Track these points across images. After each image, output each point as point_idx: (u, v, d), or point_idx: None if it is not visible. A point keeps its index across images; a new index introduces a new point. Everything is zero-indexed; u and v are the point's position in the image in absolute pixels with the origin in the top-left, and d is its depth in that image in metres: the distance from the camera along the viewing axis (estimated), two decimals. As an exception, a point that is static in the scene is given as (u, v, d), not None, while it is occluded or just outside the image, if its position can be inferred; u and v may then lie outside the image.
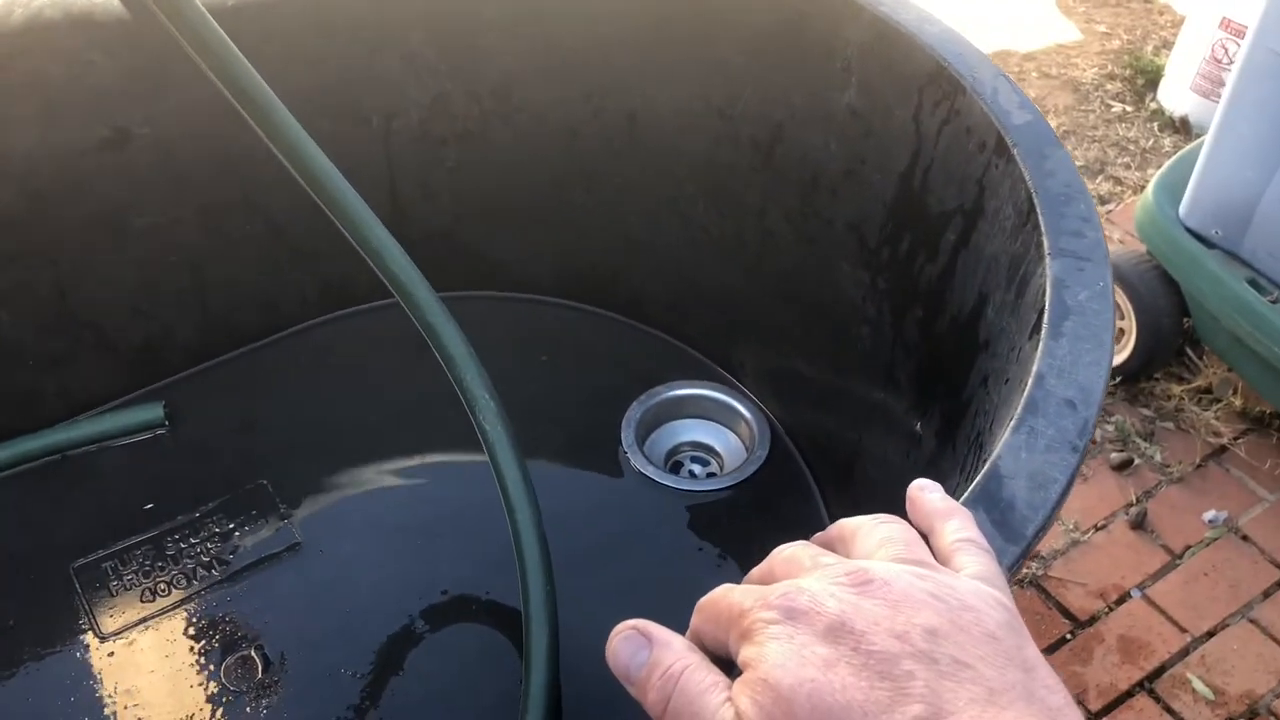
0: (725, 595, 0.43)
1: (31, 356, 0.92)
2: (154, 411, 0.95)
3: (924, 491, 0.47)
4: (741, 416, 0.99)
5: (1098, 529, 1.62)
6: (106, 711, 0.78)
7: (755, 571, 0.46)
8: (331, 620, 0.84)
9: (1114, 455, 1.72)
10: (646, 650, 0.43)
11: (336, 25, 0.90)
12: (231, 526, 0.89)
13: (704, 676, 0.41)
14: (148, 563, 0.87)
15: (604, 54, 0.93)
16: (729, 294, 0.99)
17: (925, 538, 0.45)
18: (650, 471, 0.94)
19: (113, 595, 0.85)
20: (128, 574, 0.86)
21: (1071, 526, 1.62)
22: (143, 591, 0.85)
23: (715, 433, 1.00)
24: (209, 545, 0.88)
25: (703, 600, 0.44)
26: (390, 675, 0.80)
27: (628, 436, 0.96)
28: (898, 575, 0.40)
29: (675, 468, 0.98)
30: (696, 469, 0.98)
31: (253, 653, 0.81)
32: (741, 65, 0.87)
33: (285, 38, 0.87)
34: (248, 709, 0.78)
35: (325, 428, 0.97)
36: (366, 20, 0.91)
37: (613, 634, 0.44)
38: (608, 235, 1.03)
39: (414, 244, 0.78)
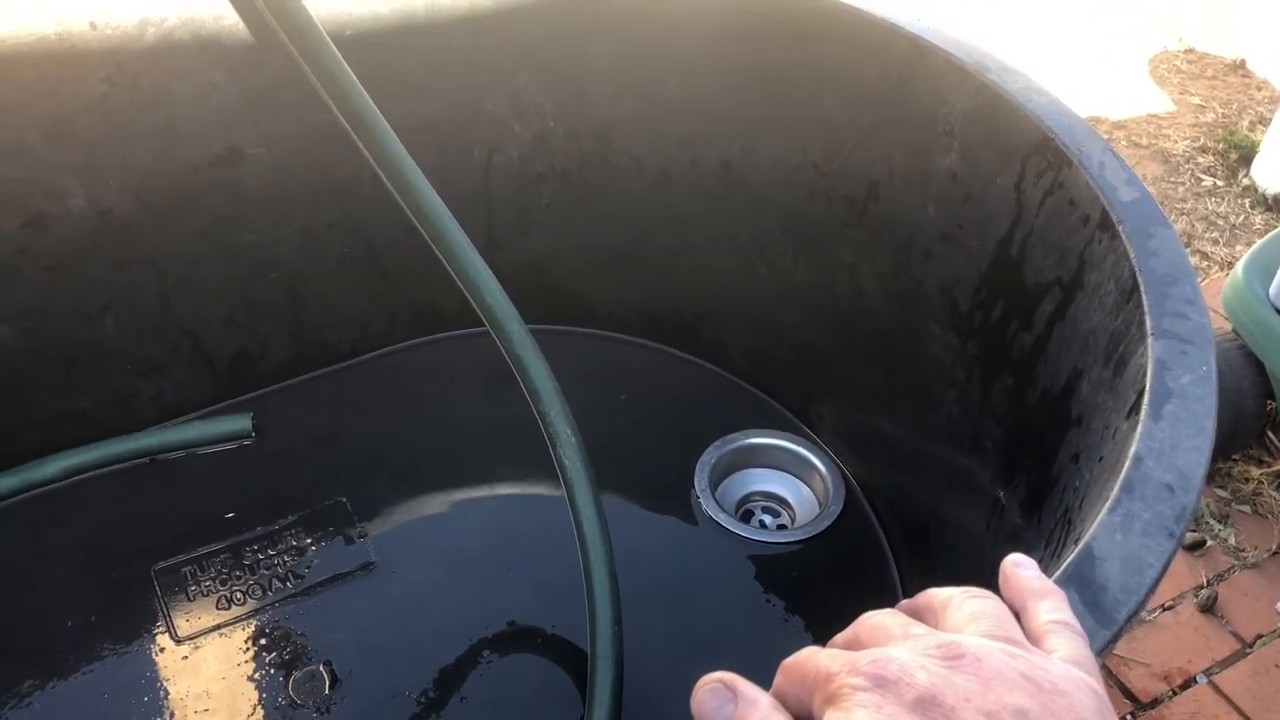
0: (812, 657, 0.43)
1: (131, 361, 0.95)
2: (242, 422, 0.98)
3: (1019, 568, 0.47)
4: (816, 470, 0.98)
5: (1165, 609, 1.58)
6: (177, 713, 0.80)
7: (840, 636, 0.46)
8: (400, 641, 0.85)
9: (1186, 534, 1.68)
10: (731, 705, 0.43)
11: (448, 62, 0.92)
12: (309, 541, 0.91)
13: (789, 728, 0.41)
14: (225, 570, 0.89)
15: (703, 103, 0.95)
16: (813, 347, 0.99)
17: (1017, 615, 0.45)
18: (721, 518, 0.94)
19: (190, 600, 0.87)
20: (206, 580, 0.88)
21: (1139, 605, 1.58)
22: (219, 598, 0.87)
23: (789, 484, 1.00)
24: (285, 558, 0.90)
25: (788, 661, 0.44)
26: (454, 701, 0.81)
27: (701, 481, 0.96)
28: (990, 652, 0.40)
29: (746, 516, 0.98)
30: (767, 519, 0.98)
31: (321, 668, 0.82)
32: (842, 122, 0.88)
33: (399, 71, 0.90)
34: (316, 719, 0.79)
35: (405, 450, 0.99)
36: (477, 58, 0.93)
37: (699, 685, 0.44)
38: (695, 280, 1.03)
39: (505, 276, 0.80)
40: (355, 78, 0.77)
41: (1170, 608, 1.58)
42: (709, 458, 0.98)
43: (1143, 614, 1.57)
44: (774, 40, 0.89)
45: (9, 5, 0.79)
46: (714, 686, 0.44)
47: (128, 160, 0.87)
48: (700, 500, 0.95)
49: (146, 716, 0.79)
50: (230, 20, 0.84)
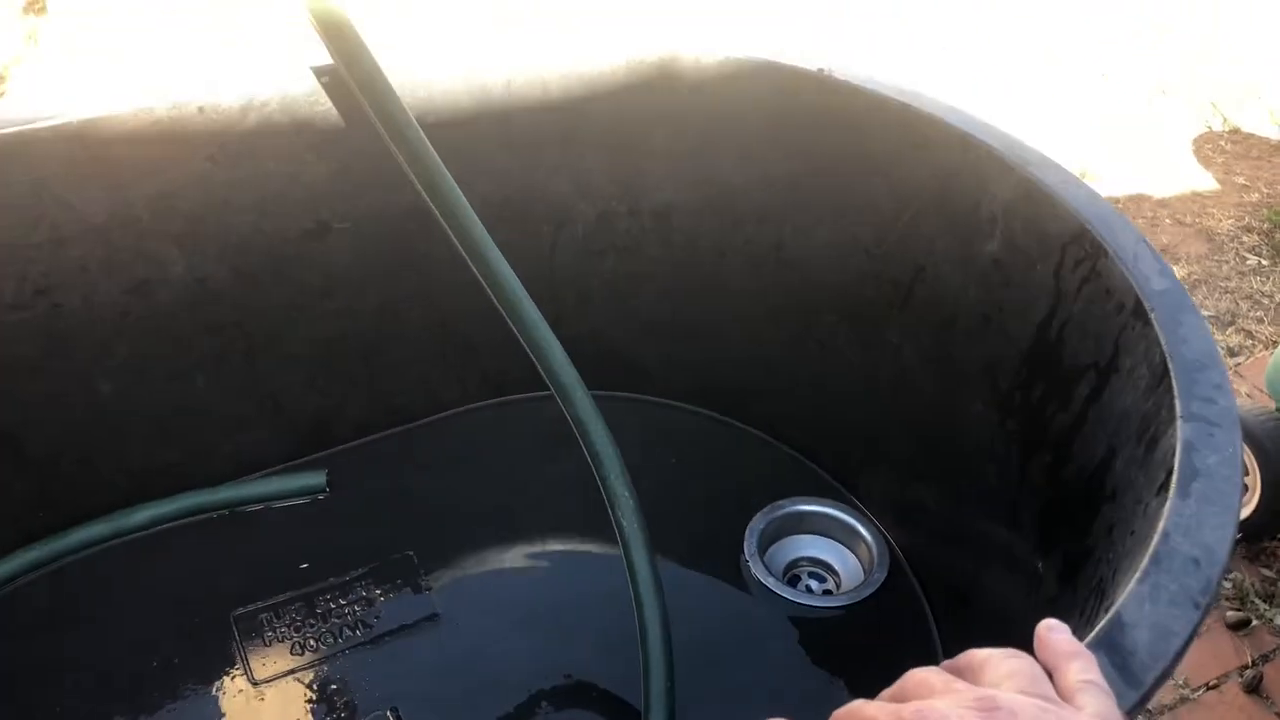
0: (861, 708, 0.48)
1: (217, 417, 1.02)
2: (317, 478, 1.04)
3: (1052, 632, 0.51)
4: (862, 538, 1.02)
5: (1209, 688, 1.58)
6: (258, 751, 0.85)
7: (887, 691, 0.51)
8: (462, 690, 0.89)
9: (1230, 614, 1.68)
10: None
11: (521, 144, 0.99)
12: (378, 592, 0.96)
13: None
14: (299, 618, 0.94)
15: (757, 187, 1.01)
16: (859, 420, 1.04)
17: (1050, 675, 0.49)
18: (769, 582, 0.98)
19: (266, 644, 0.92)
20: (281, 626, 0.93)
21: (1182, 683, 1.58)
22: (293, 644, 0.92)
23: (835, 551, 1.04)
24: (356, 608, 0.95)
25: (839, 711, 0.49)
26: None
27: (750, 545, 1.01)
28: (1024, 706, 0.44)
29: (793, 581, 1.02)
30: (814, 584, 1.02)
31: (389, 714, 0.87)
32: (889, 209, 0.93)
33: (476, 152, 0.97)
34: (381, 767, 0.84)
35: (470, 507, 1.04)
36: (549, 142, 1.00)
37: (761, 730, 0.49)
38: (747, 353, 1.09)
39: (566, 343, 0.86)
40: (440, 161, 0.84)
41: (1215, 687, 1.58)
42: (758, 523, 1.02)
43: (1187, 692, 1.57)
44: (825, 130, 0.95)
45: (131, 86, 0.87)
46: (776, 730, 0.49)
47: (224, 232, 0.94)
48: (749, 564, 0.99)
49: (225, 754, 0.84)
50: (324, 105, 0.91)
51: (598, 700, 0.90)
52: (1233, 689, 1.58)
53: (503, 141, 0.98)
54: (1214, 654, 1.63)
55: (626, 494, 0.86)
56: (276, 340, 1.01)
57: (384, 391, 1.08)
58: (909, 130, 0.90)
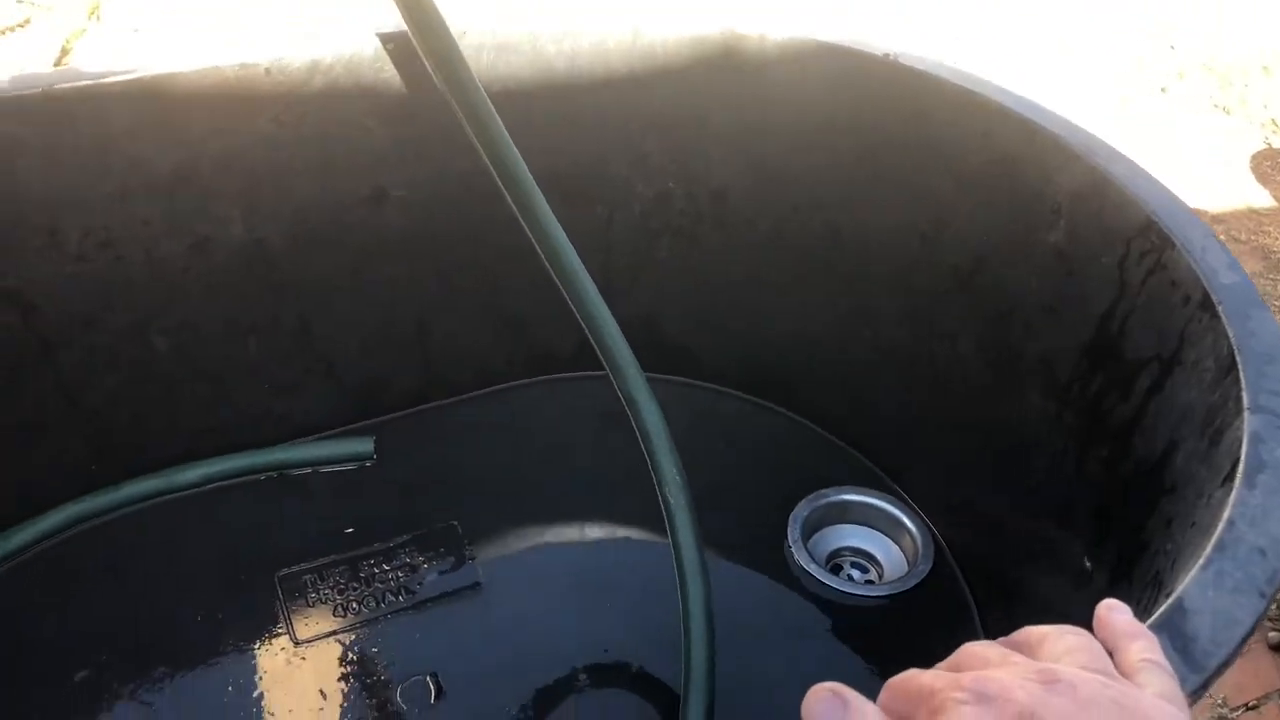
0: (916, 676, 0.47)
1: (268, 381, 1.03)
2: (365, 445, 1.04)
3: (1113, 611, 0.50)
4: (907, 529, 1.01)
5: (1249, 708, 1.55)
6: (294, 710, 0.85)
7: (942, 664, 0.50)
8: (502, 660, 0.89)
9: (1272, 634, 1.65)
10: (842, 713, 0.47)
11: (584, 122, 0.99)
12: (421, 560, 0.96)
13: (902, 745, 0.44)
14: (343, 581, 0.95)
15: (815, 172, 1.00)
16: (909, 410, 1.03)
17: (1110, 655, 0.48)
18: (812, 569, 0.97)
19: (310, 605, 0.93)
20: (324, 588, 0.94)
21: (1220, 702, 1.56)
22: (336, 606, 0.93)
23: (878, 542, 1.03)
24: (399, 574, 0.95)
25: (894, 679, 0.48)
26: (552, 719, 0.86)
27: (793, 532, 1.00)
28: (1085, 680, 0.43)
29: (834, 570, 1.01)
30: (855, 575, 1.01)
31: (429, 679, 0.87)
32: (950, 197, 0.93)
33: (537, 128, 0.96)
34: (420, 729, 0.84)
35: (516, 481, 1.04)
36: (609, 122, 1.00)
37: (810, 693, 0.48)
38: (797, 338, 1.08)
39: (617, 323, 0.86)
40: (506, 133, 0.85)
41: (1254, 707, 1.56)
42: (802, 510, 1.02)
43: (1225, 712, 1.55)
44: (888, 115, 0.94)
45: (198, 45, 0.88)
46: (826, 695, 0.48)
47: (284, 194, 0.95)
48: (792, 550, 0.99)
49: (265, 710, 0.85)
50: (388, 71, 0.91)
51: (637, 678, 0.90)
52: (1273, 710, 1.56)
53: (563, 117, 0.98)
54: (1255, 674, 1.60)
55: (674, 471, 0.86)
56: (331, 305, 1.02)
57: (434, 362, 1.08)
58: (974, 117, 0.89)
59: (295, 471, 1.03)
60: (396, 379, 1.08)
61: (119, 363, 0.96)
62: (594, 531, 1.02)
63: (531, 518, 1.01)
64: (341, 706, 0.86)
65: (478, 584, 0.95)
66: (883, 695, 0.48)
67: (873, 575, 1.01)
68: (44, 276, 0.89)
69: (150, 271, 0.93)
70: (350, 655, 0.89)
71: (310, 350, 1.03)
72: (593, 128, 1.01)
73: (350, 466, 1.04)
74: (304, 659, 0.89)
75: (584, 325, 0.85)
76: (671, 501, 0.85)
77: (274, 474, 1.03)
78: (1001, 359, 0.92)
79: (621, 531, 1.02)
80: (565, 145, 1.01)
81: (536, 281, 1.05)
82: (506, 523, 1.00)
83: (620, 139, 1.02)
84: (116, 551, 0.97)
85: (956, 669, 0.48)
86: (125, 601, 0.93)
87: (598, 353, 0.86)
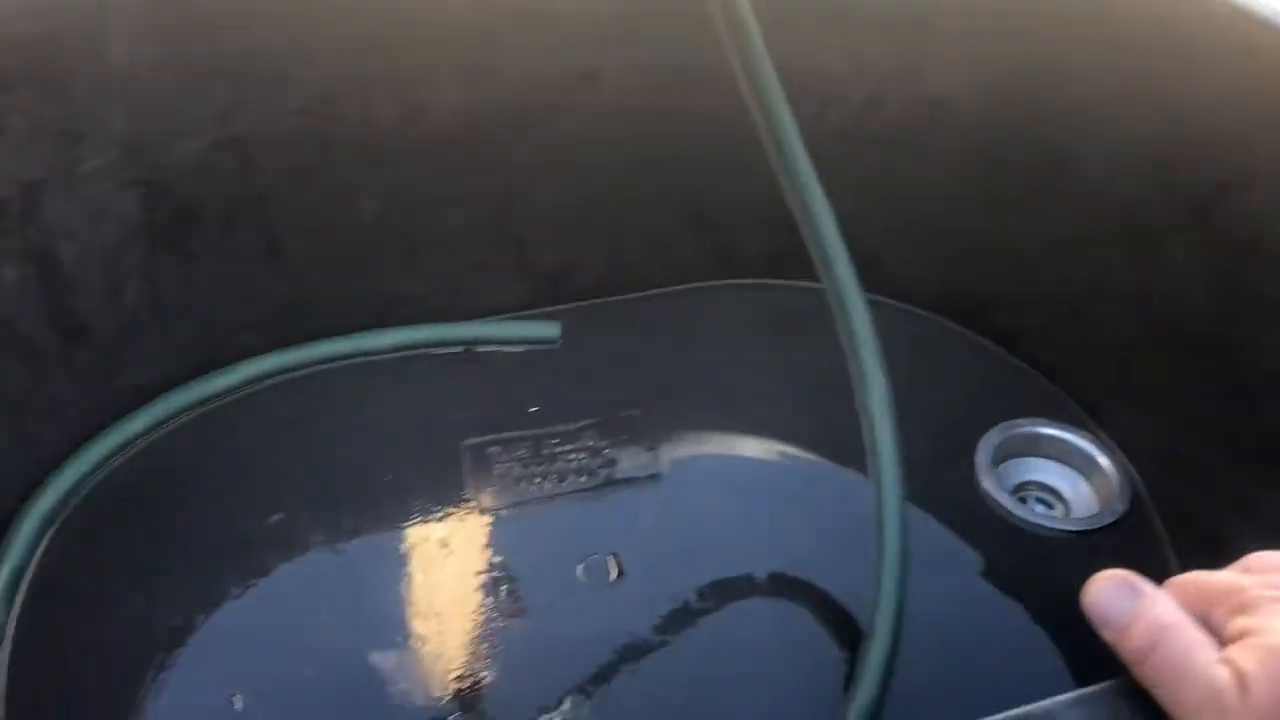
0: (1210, 575, 0.44)
1: (463, 256, 1.03)
2: (551, 330, 1.04)
3: None
4: (1101, 469, 0.97)
5: None
6: (479, 577, 0.86)
7: (1230, 567, 0.47)
8: (682, 551, 0.89)
9: None
10: (1130, 600, 0.44)
11: (797, 15, 0.96)
12: (603, 444, 0.96)
13: (1195, 633, 0.42)
14: (526, 457, 0.95)
15: (1048, 85, 0.95)
16: (1117, 344, 0.98)
17: None
18: (1000, 496, 0.94)
19: (493, 477, 0.93)
20: (509, 462, 0.94)
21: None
22: (518, 480, 0.93)
23: (1068, 479, 0.99)
24: (581, 456, 0.95)
25: (1181, 578, 0.46)
26: (726, 613, 0.85)
27: (982, 458, 0.97)
28: None
29: (1019, 501, 0.97)
30: (1040, 509, 0.98)
31: (608, 559, 0.87)
32: (1198, 119, 0.87)
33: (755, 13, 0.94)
34: (599, 604, 0.84)
35: (698, 382, 1.03)
36: (826, 16, 0.97)
37: (1095, 579, 0.46)
38: (1001, 262, 1.04)
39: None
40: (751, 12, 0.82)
41: None
42: (993, 437, 0.98)
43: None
44: (1137, 28, 0.88)
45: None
46: (1113, 582, 0.46)
47: (501, 67, 0.94)
48: (978, 475, 0.95)
49: (445, 575, 0.86)
50: (616, -52, 0.90)
51: (810, 590, 0.88)
52: None
53: (776, 8, 0.95)
54: None
55: (878, 373, 0.83)
56: (531, 186, 1.01)
57: (624, 255, 1.08)
58: (1237, 35, 0.83)
59: (482, 348, 1.04)
60: (585, 268, 1.08)
61: (325, 222, 0.97)
62: (777, 442, 1.00)
63: (714, 419, 0.99)
64: (522, 575, 0.86)
65: (658, 475, 0.94)
66: (1169, 592, 0.46)
67: (1058, 512, 0.97)
68: (264, 127, 0.91)
69: (366, 132, 0.93)
70: (532, 528, 0.90)
71: (507, 230, 1.03)
72: (809, 22, 0.98)
73: (535, 349, 1.04)
74: (487, 527, 0.90)
75: (799, 215, 0.82)
76: (873, 408, 0.83)
77: (461, 349, 1.04)
78: (1234, 295, 0.87)
79: (806, 446, 0.99)
80: (776, 39, 0.97)
81: (737, 182, 1.03)
82: (688, 421, 0.99)
83: (836, 35, 0.99)
84: (306, 408, 0.99)
85: (1247, 571, 0.45)
86: (314, 455, 0.95)
87: (809, 245, 0.83)
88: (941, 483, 0.96)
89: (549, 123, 0.98)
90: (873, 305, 1.11)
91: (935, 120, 1.01)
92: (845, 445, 0.92)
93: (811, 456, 0.98)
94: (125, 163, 0.87)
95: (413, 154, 0.96)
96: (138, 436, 0.94)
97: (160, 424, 0.95)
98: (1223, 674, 0.39)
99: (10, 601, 0.82)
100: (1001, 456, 0.99)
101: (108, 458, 0.92)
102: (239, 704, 0.78)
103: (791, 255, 1.06)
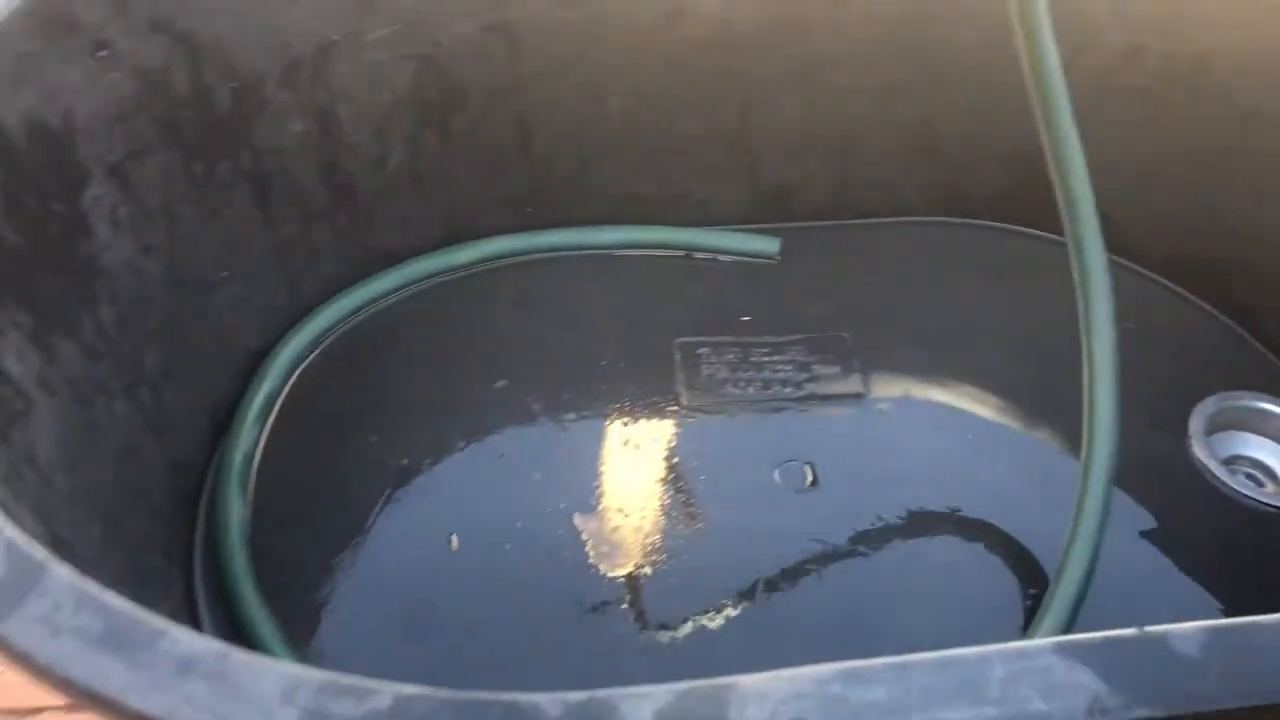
0: None
1: (697, 162, 1.07)
2: (771, 244, 1.07)
3: None
4: (1319, 453, 0.94)
5: None
6: (678, 466, 0.90)
7: None
8: (879, 470, 0.91)
9: None
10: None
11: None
12: (809, 360, 0.99)
13: None
14: (735, 361, 0.98)
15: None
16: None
17: None
18: (1211, 464, 0.92)
19: (701, 376, 0.97)
20: (718, 364, 0.98)
21: None
22: (726, 382, 0.97)
23: (1282, 459, 0.96)
24: (787, 367, 0.98)
25: None
26: (913, 533, 0.87)
27: (1196, 424, 0.95)
28: None
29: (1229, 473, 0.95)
30: (1248, 483, 0.95)
31: (805, 467, 0.91)
32: None
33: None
34: (793, 506, 0.88)
35: (909, 312, 1.03)
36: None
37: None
38: (1245, 236, 1.01)
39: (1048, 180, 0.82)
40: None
41: None
42: (1209, 406, 0.96)
43: None
44: None
45: None
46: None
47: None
48: (1190, 441, 0.94)
49: (649, 459, 0.91)
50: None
51: (999, 527, 0.89)
52: None
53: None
54: None
55: (1106, 319, 0.83)
56: (772, 102, 1.03)
57: (851, 181, 1.09)
58: None
59: (702, 255, 1.08)
60: (810, 189, 1.10)
61: (574, 116, 1.02)
62: (980, 385, 1.00)
63: (921, 353, 1.00)
64: (719, 471, 0.90)
65: (860, 396, 0.96)
66: None
67: (1269, 489, 0.95)
68: (534, 17, 0.96)
69: (624, 33, 0.97)
70: (734, 428, 0.94)
71: (741, 143, 1.06)
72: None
73: (753, 260, 1.07)
74: (691, 420, 0.94)
75: (1049, 151, 0.82)
76: (1098, 355, 0.83)
77: (683, 253, 1.08)
78: None
79: (1008, 394, 0.99)
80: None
81: (977, 121, 1.03)
82: (895, 351, 1.00)
83: (1102, -20, 0.97)
84: (536, 289, 1.05)
85: None
86: (540, 333, 1.01)
87: (1055, 181, 0.83)
88: (1152, 444, 0.95)
89: (801, 39, 1.00)
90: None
91: (1195, 78, 0.99)
92: (1048, 400, 0.92)
93: (1012, 404, 0.98)
94: (406, 36, 0.93)
95: (664, 59, 0.99)
96: (385, 294, 1.02)
97: (406, 285, 1.03)
98: None
99: (262, 422, 0.92)
100: (1216, 427, 0.97)
101: (358, 309, 1.00)
102: (455, 543, 0.85)
103: (1023, 202, 1.07)
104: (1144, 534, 0.89)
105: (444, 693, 0.39)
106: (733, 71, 1.01)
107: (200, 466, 0.88)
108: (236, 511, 0.84)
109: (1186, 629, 0.42)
